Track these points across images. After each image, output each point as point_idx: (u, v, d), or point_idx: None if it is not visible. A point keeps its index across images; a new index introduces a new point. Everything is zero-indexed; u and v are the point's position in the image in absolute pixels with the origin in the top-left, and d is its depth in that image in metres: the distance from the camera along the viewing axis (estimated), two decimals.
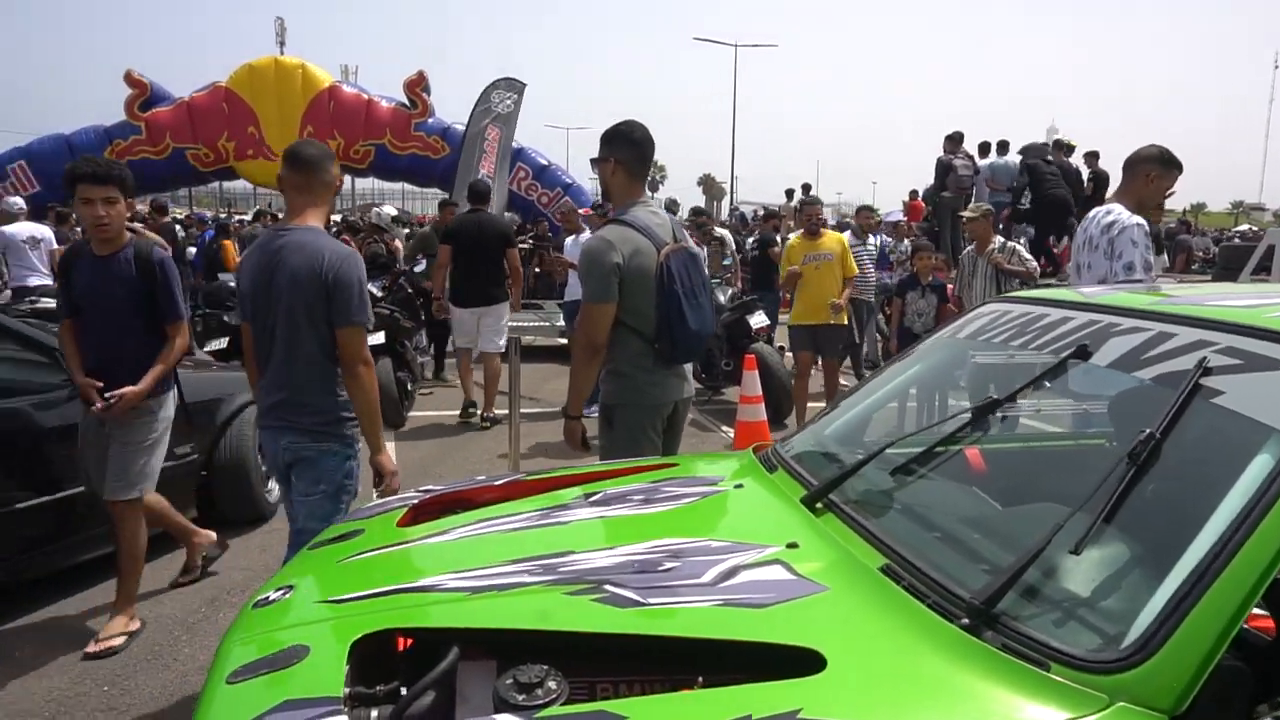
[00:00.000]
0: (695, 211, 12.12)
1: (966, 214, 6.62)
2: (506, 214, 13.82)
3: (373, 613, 1.57)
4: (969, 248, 6.48)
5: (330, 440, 2.81)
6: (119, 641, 3.33)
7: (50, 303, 7.08)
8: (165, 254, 3.48)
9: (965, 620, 1.33)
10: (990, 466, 2.06)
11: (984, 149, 11.95)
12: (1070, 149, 11.07)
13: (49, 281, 8.58)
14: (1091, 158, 11.35)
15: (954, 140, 11.38)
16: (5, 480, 3.48)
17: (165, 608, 3.69)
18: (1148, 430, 1.43)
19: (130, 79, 14.55)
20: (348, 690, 1.38)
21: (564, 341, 9.86)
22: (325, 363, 2.77)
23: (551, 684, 1.34)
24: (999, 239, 6.40)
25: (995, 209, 8.39)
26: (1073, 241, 4.38)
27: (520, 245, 8.34)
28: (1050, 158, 10.62)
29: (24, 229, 8.79)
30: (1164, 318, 1.74)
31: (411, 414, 7.24)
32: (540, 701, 1.30)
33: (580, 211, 7.34)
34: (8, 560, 3.51)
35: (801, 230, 6.68)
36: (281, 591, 1.74)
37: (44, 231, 9.17)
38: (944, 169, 11.26)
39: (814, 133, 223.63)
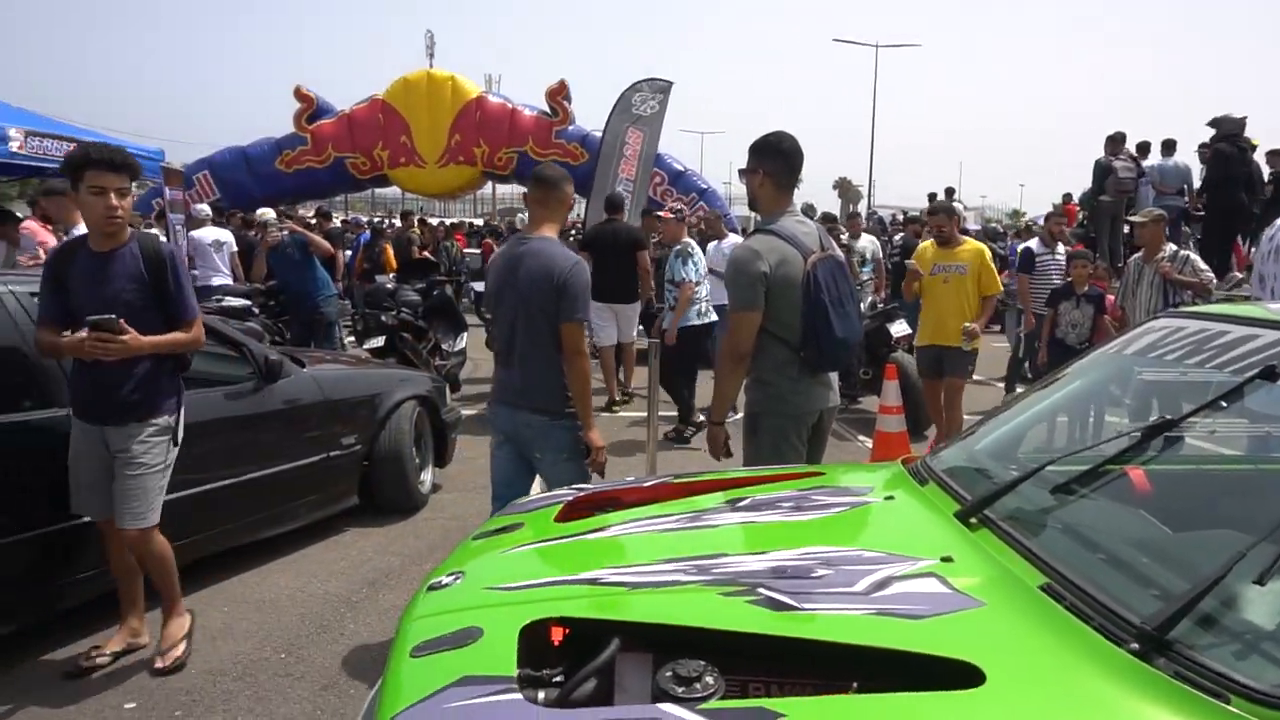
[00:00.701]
0: (826, 218, 11.73)
1: (1138, 219, 6.21)
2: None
3: (539, 601, 1.67)
4: (1136, 255, 6.10)
5: (561, 417, 3.19)
6: (182, 649, 3.23)
7: (235, 301, 7.78)
8: (174, 248, 3.24)
9: (1135, 645, 1.30)
10: (1158, 488, 1.97)
11: (1143, 149, 11.20)
12: (1252, 147, 10.21)
13: (229, 281, 9.46)
14: (1275, 157, 10.42)
15: (1115, 141, 10.70)
16: (207, 463, 3.84)
17: (331, 586, 3.99)
18: None
19: (299, 94, 15.67)
20: (518, 672, 1.49)
21: None
22: (554, 352, 3.15)
23: (709, 679, 1.40)
24: (1170, 246, 5.99)
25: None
26: (1255, 250, 4.08)
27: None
28: (1244, 144, 9.68)
29: (209, 233, 9.68)
30: None
31: None
32: (699, 695, 1.36)
33: (660, 215, 7.67)
34: (215, 532, 3.91)
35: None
36: (453, 577, 1.88)
37: (226, 235, 10.07)
38: (1103, 171, 10.61)
39: (957, 134, 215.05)
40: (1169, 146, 11.02)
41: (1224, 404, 1.78)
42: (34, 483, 3.19)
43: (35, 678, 3.14)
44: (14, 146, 5.52)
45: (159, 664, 3.17)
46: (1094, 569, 1.56)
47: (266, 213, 8.24)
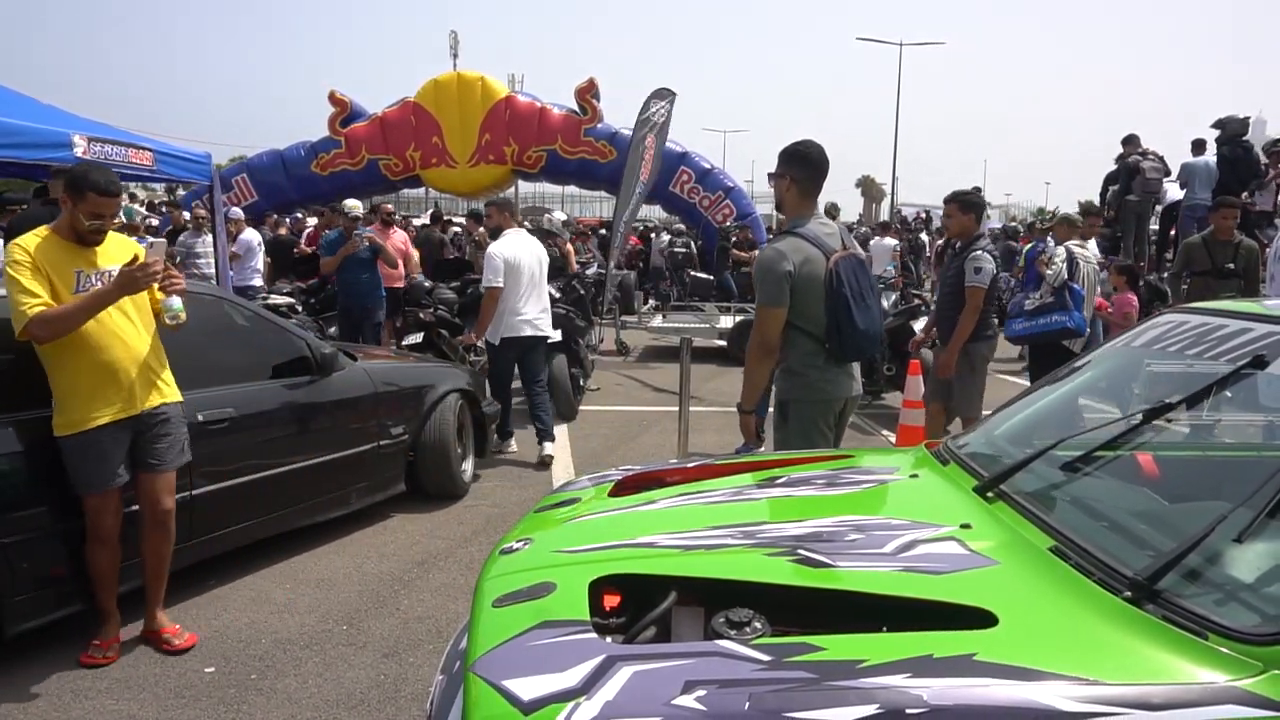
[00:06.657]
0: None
1: None
2: (664, 215, 14.33)
3: (603, 561, 1.89)
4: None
5: None
6: None
7: (279, 300, 8.07)
8: None
9: (1128, 593, 1.50)
10: (1160, 469, 2.16)
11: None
12: None
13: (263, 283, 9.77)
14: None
15: (1130, 143, 10.81)
16: (267, 451, 4.11)
17: (383, 567, 4.24)
18: None
19: (333, 98, 15.99)
20: (590, 619, 1.71)
21: (724, 343, 10.21)
22: None
23: (757, 624, 1.61)
24: None
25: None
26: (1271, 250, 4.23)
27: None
28: (1248, 145, 9.83)
29: (251, 236, 10.00)
30: None
31: (581, 408, 7.74)
32: (749, 637, 1.57)
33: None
34: (273, 516, 4.17)
35: None
36: (522, 543, 2.10)
37: (259, 238, 10.38)
38: (1130, 171, 10.69)
39: (982, 131, 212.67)
40: (1198, 146, 11.06)
41: (1219, 391, 1.97)
42: None
43: (121, 646, 3.42)
44: (79, 152, 5.81)
45: None
46: (1097, 534, 1.76)
47: (355, 208, 8.16)
